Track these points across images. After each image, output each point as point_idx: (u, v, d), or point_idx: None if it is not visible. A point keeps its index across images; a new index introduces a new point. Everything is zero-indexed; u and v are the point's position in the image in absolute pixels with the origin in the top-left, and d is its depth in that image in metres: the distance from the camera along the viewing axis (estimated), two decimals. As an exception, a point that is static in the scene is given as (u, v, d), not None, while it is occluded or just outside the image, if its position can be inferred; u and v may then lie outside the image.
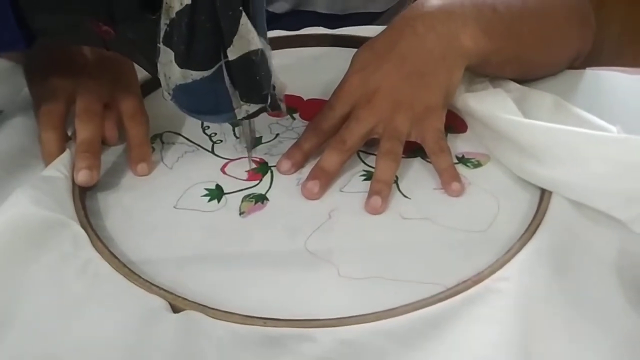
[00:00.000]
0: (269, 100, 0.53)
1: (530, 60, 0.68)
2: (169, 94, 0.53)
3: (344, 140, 0.60)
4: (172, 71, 0.51)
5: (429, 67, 0.61)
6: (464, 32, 0.61)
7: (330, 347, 0.46)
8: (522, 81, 0.67)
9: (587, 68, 0.72)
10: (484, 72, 0.66)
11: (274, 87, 0.54)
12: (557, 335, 0.47)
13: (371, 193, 0.58)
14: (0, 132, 0.62)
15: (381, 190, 0.57)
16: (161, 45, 0.51)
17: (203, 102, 0.53)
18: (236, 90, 0.52)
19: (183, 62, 0.51)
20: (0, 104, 0.65)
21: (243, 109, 0.54)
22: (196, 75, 0.51)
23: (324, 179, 0.59)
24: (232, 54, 0.50)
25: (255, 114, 0.54)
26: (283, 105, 0.55)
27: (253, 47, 0.50)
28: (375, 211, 0.57)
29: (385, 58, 0.61)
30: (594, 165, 0.54)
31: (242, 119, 0.55)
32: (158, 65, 0.53)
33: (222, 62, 0.51)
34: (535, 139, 0.57)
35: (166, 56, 0.51)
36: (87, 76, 0.62)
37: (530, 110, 0.62)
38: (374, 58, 0.62)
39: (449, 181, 0.59)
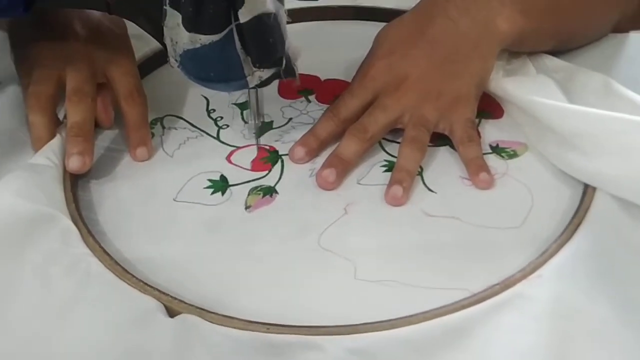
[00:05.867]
0: (284, 64, 0.55)
1: (570, 32, 0.68)
2: (175, 60, 0.55)
3: (365, 129, 0.61)
4: (179, 35, 0.53)
5: (461, 55, 0.61)
6: (500, 13, 0.62)
7: (338, 356, 0.46)
8: (560, 51, 0.67)
9: (630, 32, 0.72)
10: (521, 50, 0.66)
11: (288, 51, 0.56)
12: (596, 347, 0.47)
13: (392, 182, 0.58)
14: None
15: (403, 179, 0.58)
16: (167, 8, 0.53)
17: (212, 69, 0.55)
18: (248, 55, 0.54)
19: (191, 25, 0.52)
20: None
21: (256, 76, 0.55)
22: (205, 39, 0.53)
23: (341, 168, 0.60)
24: (244, 16, 0.52)
25: (269, 80, 0.56)
26: (297, 71, 0.57)
27: (265, 9, 0.52)
28: (395, 202, 0.57)
29: (414, 43, 0.62)
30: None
31: (255, 87, 0.57)
32: (164, 29, 0.54)
33: (233, 25, 0.53)
34: (579, 127, 0.57)
35: (173, 19, 0.53)
36: (78, 53, 0.63)
37: (575, 93, 0.62)
38: (401, 42, 0.63)
39: (477, 171, 0.59)
